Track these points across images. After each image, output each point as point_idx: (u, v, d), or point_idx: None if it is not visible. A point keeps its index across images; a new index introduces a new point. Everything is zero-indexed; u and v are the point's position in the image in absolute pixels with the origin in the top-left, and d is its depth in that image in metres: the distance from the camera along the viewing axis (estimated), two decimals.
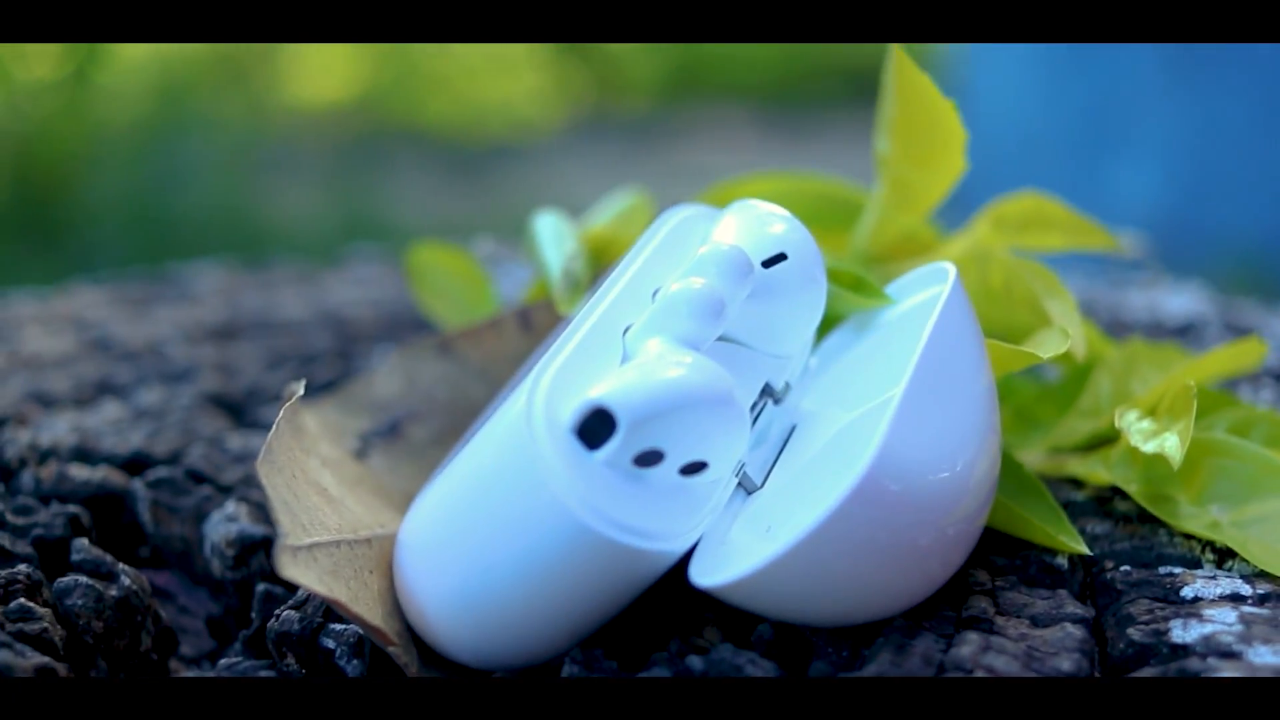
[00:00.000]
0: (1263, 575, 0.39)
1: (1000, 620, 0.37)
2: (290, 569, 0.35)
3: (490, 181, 2.48)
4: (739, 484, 0.37)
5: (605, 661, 0.36)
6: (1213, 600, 0.38)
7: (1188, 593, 0.38)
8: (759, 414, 0.39)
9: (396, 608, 0.38)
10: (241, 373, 0.55)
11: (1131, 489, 0.42)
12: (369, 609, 0.37)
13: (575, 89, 3.21)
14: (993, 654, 0.35)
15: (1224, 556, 0.40)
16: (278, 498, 0.36)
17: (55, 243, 2.07)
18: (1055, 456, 0.46)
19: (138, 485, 0.45)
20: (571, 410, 0.34)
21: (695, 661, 0.35)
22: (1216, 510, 0.41)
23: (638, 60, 3.35)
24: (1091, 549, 0.41)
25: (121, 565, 0.41)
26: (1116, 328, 0.61)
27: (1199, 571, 0.39)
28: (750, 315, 0.39)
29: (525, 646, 0.36)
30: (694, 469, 0.35)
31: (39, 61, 2.28)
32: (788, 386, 0.41)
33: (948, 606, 0.37)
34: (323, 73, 2.99)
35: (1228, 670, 0.33)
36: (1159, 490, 0.42)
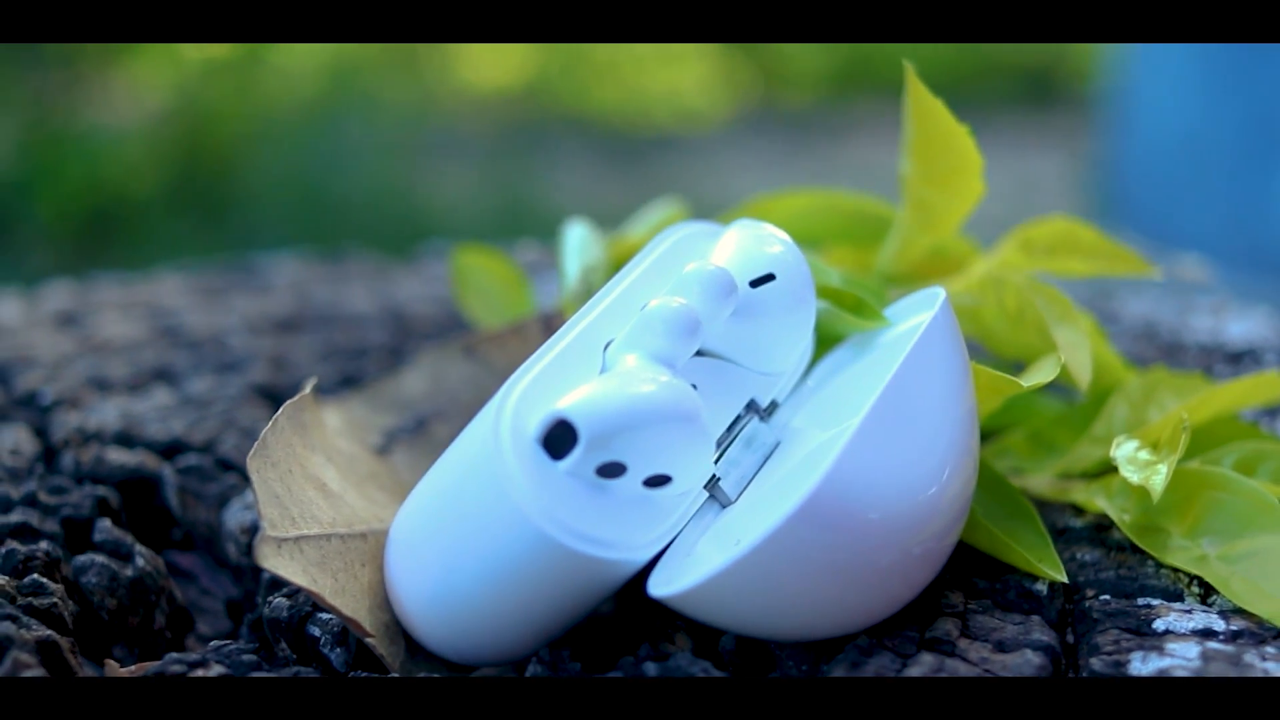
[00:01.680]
0: (1241, 612, 0.39)
1: (964, 643, 0.37)
2: (271, 559, 0.37)
3: (650, 172, 2.49)
4: (713, 498, 0.38)
5: (570, 663, 0.37)
6: (1182, 634, 0.38)
7: (1159, 625, 0.38)
8: (742, 429, 0.40)
9: (385, 600, 0.39)
10: (293, 365, 0.57)
11: (1124, 519, 0.42)
12: (354, 600, 0.38)
13: (741, 82, 3.20)
14: (944, 675, 0.35)
15: (1210, 590, 0.40)
16: (268, 491, 0.38)
17: (220, 219, 2.13)
18: (1062, 482, 0.46)
19: (168, 471, 0.47)
20: (538, 421, 0.35)
21: (650, 667, 0.36)
22: (1208, 544, 0.41)
23: (804, 55, 3.31)
24: (1076, 577, 0.41)
25: (138, 547, 0.43)
26: (1176, 351, 0.60)
27: (1177, 605, 0.39)
28: (737, 333, 0.40)
29: (495, 645, 0.37)
30: (657, 482, 0.36)
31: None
32: (775, 404, 0.41)
33: (914, 626, 0.38)
34: (492, 59, 3.01)
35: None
36: (1153, 521, 0.42)
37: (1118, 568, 0.41)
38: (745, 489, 0.39)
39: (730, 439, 0.40)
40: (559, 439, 0.35)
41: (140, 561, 0.42)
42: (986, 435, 0.50)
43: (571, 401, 0.35)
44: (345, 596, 0.38)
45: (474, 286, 0.56)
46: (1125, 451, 0.42)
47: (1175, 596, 0.40)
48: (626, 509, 0.36)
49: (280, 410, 0.40)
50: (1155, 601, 0.39)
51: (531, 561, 0.35)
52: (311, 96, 2.52)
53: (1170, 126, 2.13)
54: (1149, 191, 2.16)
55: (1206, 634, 0.38)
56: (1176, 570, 0.41)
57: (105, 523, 0.44)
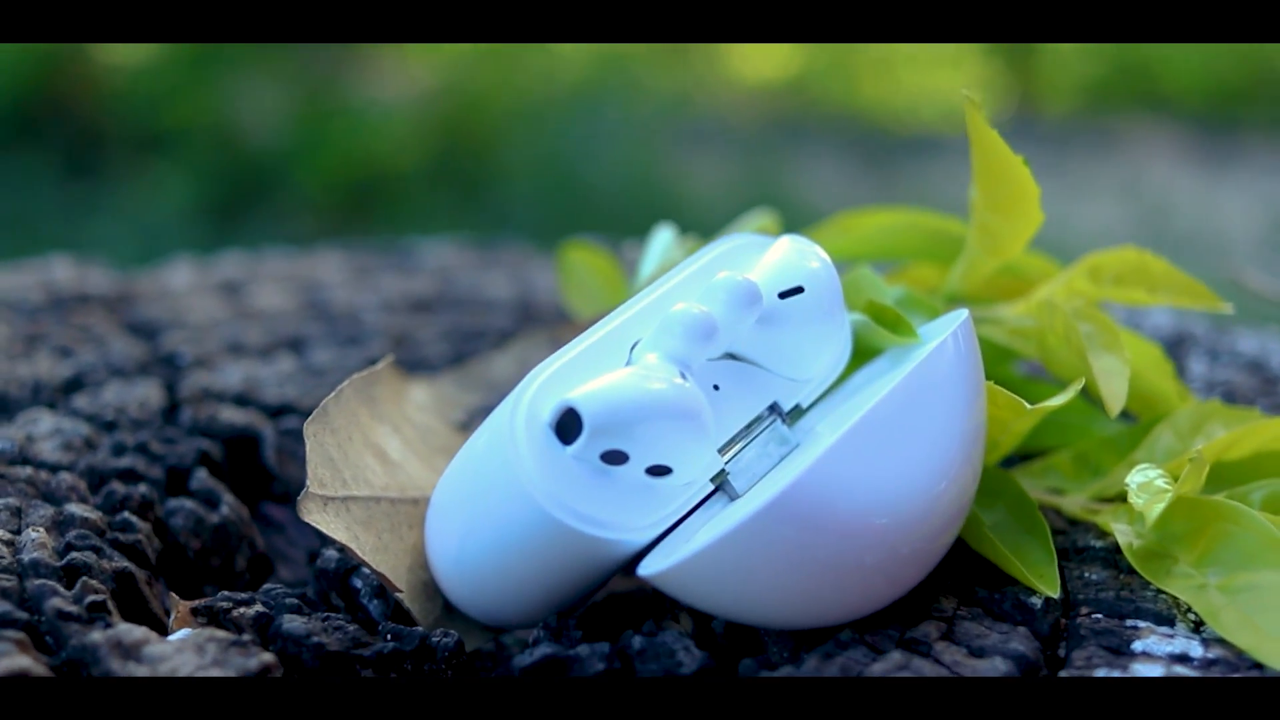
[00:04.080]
0: (1224, 643, 0.40)
1: (941, 646, 0.39)
2: (315, 515, 0.41)
3: (906, 172, 2.46)
4: (721, 490, 0.41)
5: (574, 632, 0.41)
6: (1155, 657, 0.39)
7: (1137, 646, 0.40)
8: (763, 429, 0.43)
9: (424, 561, 0.43)
10: (415, 343, 0.62)
11: (1132, 544, 0.43)
12: (393, 559, 0.43)
13: (1003, 87, 3.15)
14: (907, 674, 0.38)
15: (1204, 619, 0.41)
16: (322, 454, 0.43)
17: (475, 197, 2.20)
18: (1095, 504, 0.47)
19: (269, 431, 0.52)
20: (551, 408, 0.39)
21: (636, 641, 0.39)
22: (1212, 574, 0.42)
23: (1067, 62, 3.23)
24: (1077, 595, 0.43)
25: (227, 496, 0.48)
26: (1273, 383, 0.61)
27: (1163, 629, 0.41)
28: (765, 340, 0.43)
29: (506, 609, 0.41)
30: (659, 471, 0.39)
31: None
32: (799, 408, 0.44)
33: (898, 626, 0.40)
34: (761, 52, 3.01)
35: None
36: (1165, 548, 0.43)
37: (1120, 589, 0.43)
38: (755, 485, 0.42)
39: (749, 437, 0.43)
40: (568, 425, 0.38)
41: (225, 509, 0.47)
42: (1033, 453, 0.52)
43: (581, 392, 0.38)
44: (385, 554, 0.42)
45: (576, 280, 0.60)
46: (1139, 478, 0.44)
47: (1167, 621, 0.41)
48: (628, 494, 0.39)
49: (346, 381, 0.45)
50: (1143, 624, 0.41)
51: (536, 537, 0.39)
52: (575, 81, 2.57)
53: None
54: None
55: (1180, 659, 0.39)
56: (1177, 598, 0.42)
57: (202, 473, 0.49)
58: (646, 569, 0.38)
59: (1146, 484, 0.43)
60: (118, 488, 0.46)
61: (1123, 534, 0.44)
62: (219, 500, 0.48)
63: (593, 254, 0.60)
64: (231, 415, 0.53)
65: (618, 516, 0.39)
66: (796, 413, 0.44)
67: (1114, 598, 0.42)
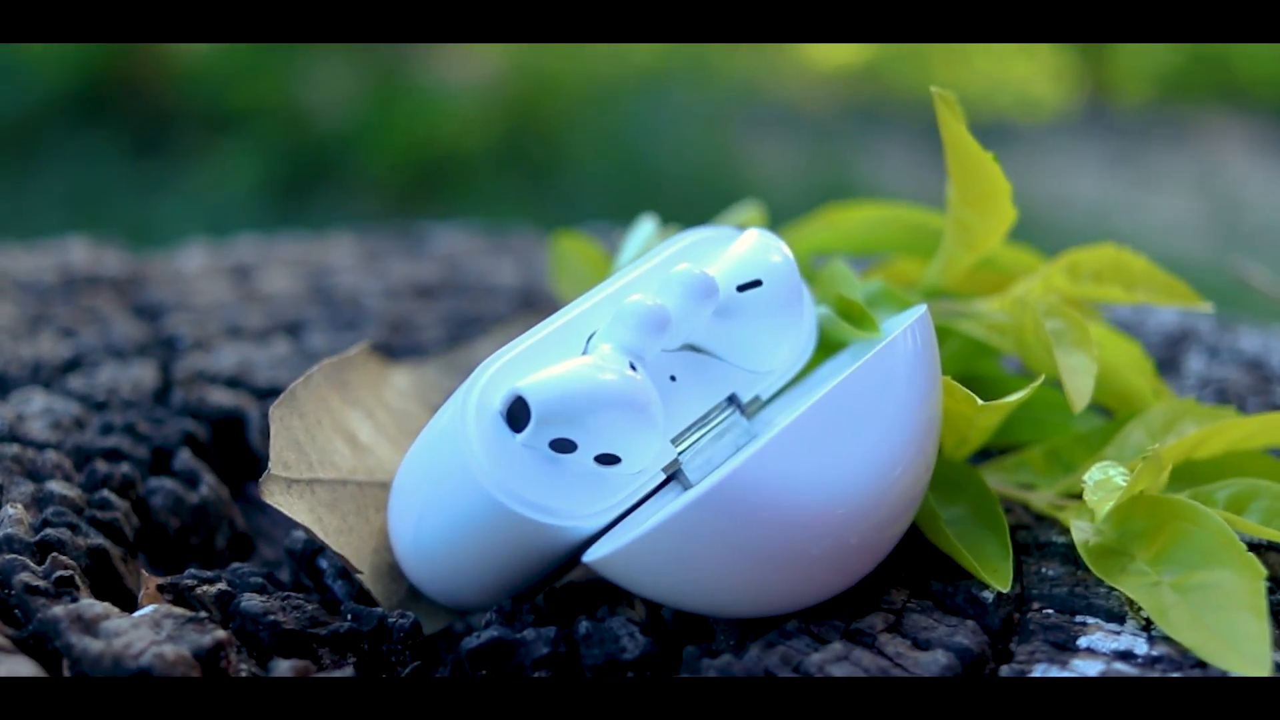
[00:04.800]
0: (1170, 642, 0.40)
1: (886, 637, 0.40)
2: (277, 496, 0.42)
3: None
4: (675, 480, 0.42)
5: (525, 615, 0.42)
6: (1099, 653, 0.39)
7: (1082, 642, 0.40)
8: (720, 420, 0.44)
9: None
10: (412, 328, 0.63)
11: (1087, 540, 0.43)
12: (357, 541, 0.44)
13: (1074, 78, 3.11)
14: (846, 664, 0.38)
15: None
16: (289, 437, 0.44)
17: (542, 180, 2.21)
18: (1063, 499, 0.47)
19: (255, 413, 0.53)
20: (502, 395, 0.40)
21: (583, 626, 0.40)
22: (1168, 573, 0.42)
23: (1142, 52, 3.17)
24: (1031, 590, 0.43)
25: (207, 476, 0.49)
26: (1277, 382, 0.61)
27: (1112, 626, 0.41)
28: (724, 332, 0.44)
29: (461, 591, 0.42)
30: (607, 460, 0.40)
31: None
32: (759, 400, 0.45)
33: (845, 617, 0.41)
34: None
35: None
36: (1122, 545, 0.43)
37: (1075, 585, 0.43)
38: (709, 475, 0.42)
39: (705, 428, 0.43)
40: (518, 413, 0.39)
41: (205, 489, 0.49)
42: (1007, 448, 0.52)
43: (530, 380, 0.39)
44: (350, 536, 0.43)
45: (567, 269, 0.61)
46: (1097, 475, 0.44)
47: (1117, 618, 0.41)
48: (577, 482, 0.40)
49: (316, 366, 0.46)
50: (1092, 620, 0.41)
51: (485, 522, 0.40)
52: (645, 65, 2.56)
53: None
54: None
55: (1124, 656, 0.39)
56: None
57: (185, 453, 0.50)
58: (590, 555, 0.39)
59: (1104, 481, 0.43)
60: (101, 466, 0.48)
61: (1080, 531, 0.44)
62: (199, 480, 0.49)
63: (583, 244, 0.61)
64: (221, 397, 0.54)
65: (566, 504, 0.40)
66: (756, 404, 0.45)
67: (1067, 594, 0.43)
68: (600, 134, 2.31)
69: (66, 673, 0.37)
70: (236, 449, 0.53)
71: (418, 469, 0.41)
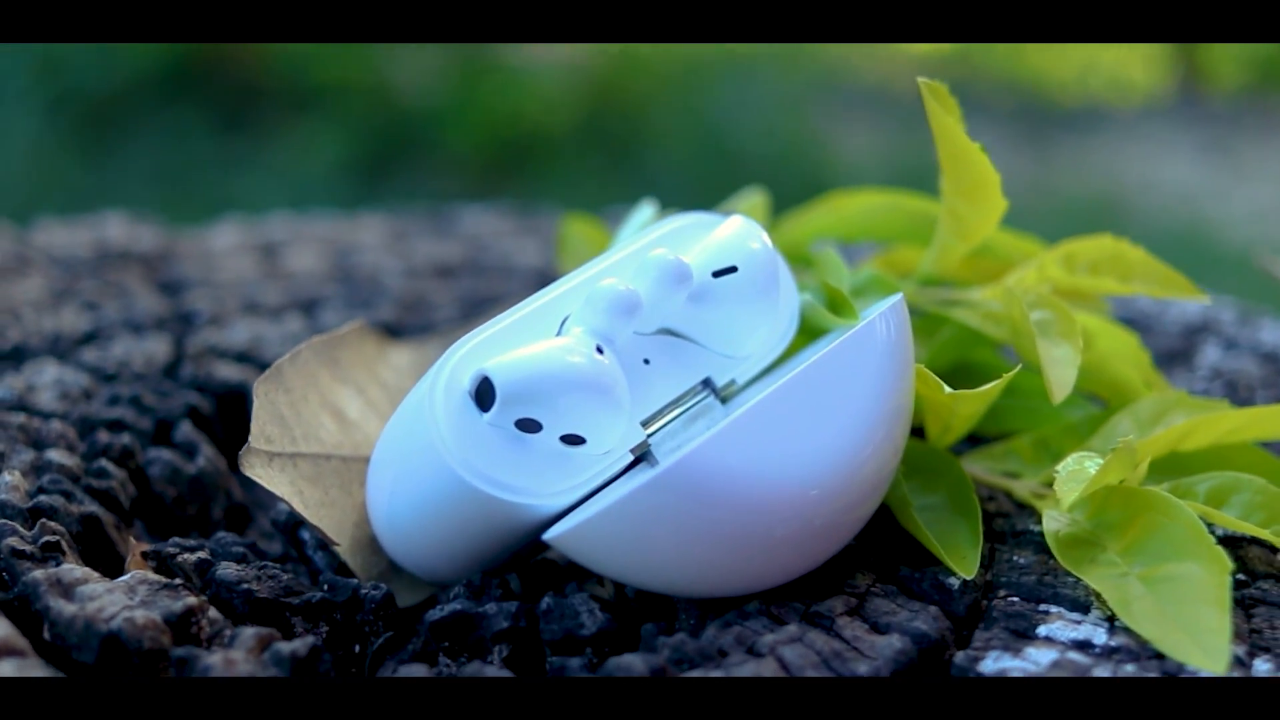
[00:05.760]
0: (1130, 632, 0.40)
1: (844, 620, 0.40)
2: (258, 469, 0.43)
3: (1067, 143, 2.41)
4: (645, 461, 0.43)
5: (494, 590, 0.42)
6: (1057, 643, 0.39)
7: (1041, 631, 0.40)
8: (693, 403, 0.44)
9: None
10: (425, 307, 0.64)
11: (1057, 530, 0.44)
12: (338, 514, 0.45)
13: (1170, 63, 3.07)
14: (799, 646, 0.39)
15: None
16: (273, 412, 0.45)
17: (623, 160, 2.21)
18: (1044, 488, 0.48)
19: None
20: (470, 375, 0.40)
21: (545, 601, 0.41)
22: (1138, 565, 0.42)
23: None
24: (1001, 578, 0.43)
25: (205, 447, 0.50)
26: None
27: (1075, 615, 0.41)
28: (699, 316, 0.44)
29: (433, 565, 0.43)
30: (573, 440, 0.40)
31: None
32: (734, 384, 0.45)
33: (808, 599, 0.41)
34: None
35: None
36: (1094, 535, 0.43)
37: (1043, 574, 0.43)
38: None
39: (678, 410, 0.44)
40: (484, 394, 0.40)
41: (203, 460, 0.50)
42: (995, 436, 0.52)
43: (497, 361, 0.40)
44: (331, 509, 0.44)
45: (572, 251, 0.61)
46: (1071, 465, 0.44)
47: (1081, 608, 0.41)
48: (543, 461, 0.41)
49: (304, 343, 0.47)
50: (1055, 609, 0.41)
51: (451, 499, 0.40)
52: (729, 45, 2.56)
53: None
54: None
55: (1081, 645, 0.39)
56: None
57: (186, 425, 0.51)
58: (550, 533, 0.40)
59: (1076, 470, 0.43)
60: (102, 437, 0.49)
61: (1052, 520, 0.44)
62: (197, 451, 0.50)
63: (589, 226, 0.62)
64: (228, 372, 0.55)
65: (531, 482, 0.40)
66: (732, 389, 0.45)
67: (1035, 582, 0.43)
68: (684, 114, 2.31)
69: (46, 635, 0.39)
70: (241, 422, 0.55)
71: (391, 445, 0.42)
